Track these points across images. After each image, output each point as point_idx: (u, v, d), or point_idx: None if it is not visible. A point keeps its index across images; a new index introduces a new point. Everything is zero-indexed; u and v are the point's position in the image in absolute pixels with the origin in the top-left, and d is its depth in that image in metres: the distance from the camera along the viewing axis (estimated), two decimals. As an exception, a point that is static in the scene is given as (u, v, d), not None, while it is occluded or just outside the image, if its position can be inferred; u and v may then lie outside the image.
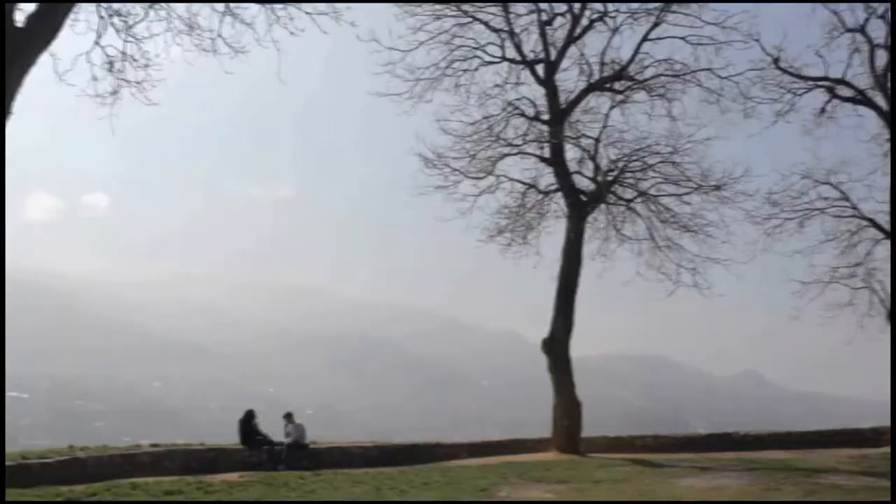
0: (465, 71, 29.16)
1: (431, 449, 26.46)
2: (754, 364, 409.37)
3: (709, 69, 28.39)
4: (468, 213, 29.21)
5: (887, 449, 26.80)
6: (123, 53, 16.95)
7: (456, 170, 28.86)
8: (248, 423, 24.06)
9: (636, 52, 28.63)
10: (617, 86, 29.16)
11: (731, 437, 29.87)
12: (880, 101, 30.53)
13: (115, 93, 17.14)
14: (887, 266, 30.09)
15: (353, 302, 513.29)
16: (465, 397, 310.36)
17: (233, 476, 19.56)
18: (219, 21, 16.91)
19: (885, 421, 30.42)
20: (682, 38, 28.35)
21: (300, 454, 23.64)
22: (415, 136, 29.02)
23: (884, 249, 30.44)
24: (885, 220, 30.26)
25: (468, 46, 29.04)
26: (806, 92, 31.56)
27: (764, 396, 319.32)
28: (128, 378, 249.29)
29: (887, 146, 30.49)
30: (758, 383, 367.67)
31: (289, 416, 24.82)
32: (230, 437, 24.79)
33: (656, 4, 28.26)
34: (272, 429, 24.61)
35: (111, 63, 16.94)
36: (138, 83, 17.15)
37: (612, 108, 29.35)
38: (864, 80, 31.00)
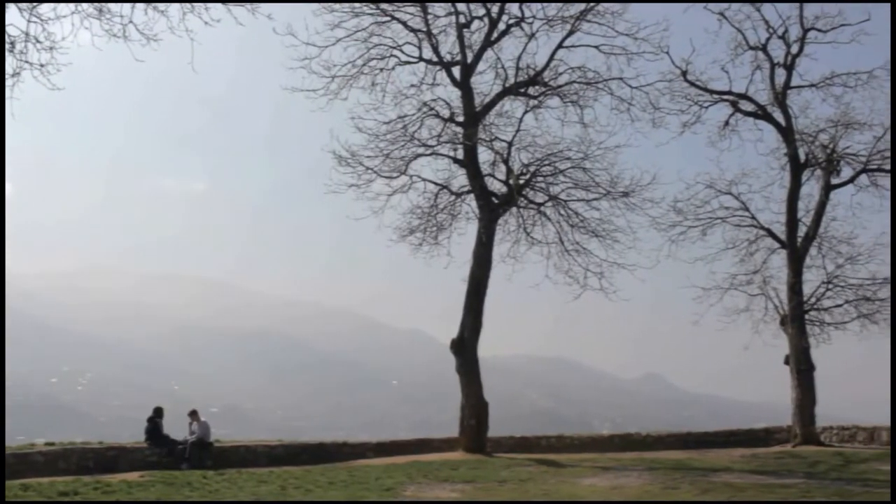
0: (381, 70, 29.06)
1: (338, 448, 26.32)
2: (657, 367, 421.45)
3: (620, 78, 28.94)
4: (381, 212, 29.11)
5: (778, 448, 27.98)
6: (26, 34, 16.23)
7: (369, 168, 28.71)
8: (154, 421, 23.52)
9: (551, 58, 28.99)
10: (531, 91, 29.46)
11: (633, 437, 30.64)
12: (779, 116, 31.91)
13: (16, 74, 16.42)
14: (782, 274, 31.38)
15: (262, 299, 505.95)
16: (375, 396, 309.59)
17: (133, 476, 19.08)
18: (131, 7, 16.38)
19: (778, 422, 31.72)
20: (595, 47, 28.81)
21: (204, 453, 23.21)
22: (329, 133, 28.82)
23: (779, 258, 31.72)
24: (780, 230, 31.54)
25: (385, 45, 28.94)
26: (711, 105, 32.73)
27: (665, 398, 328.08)
28: (23, 373, 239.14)
29: (785, 160, 31.83)
30: (660, 386, 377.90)
31: (194, 414, 24.35)
32: (132, 435, 24.17)
33: (572, 13, 28.66)
34: (176, 427, 24.11)
35: (13, 44, 16.21)
36: (42, 66, 16.46)
37: (525, 112, 29.59)
38: (764, 97, 32.37)
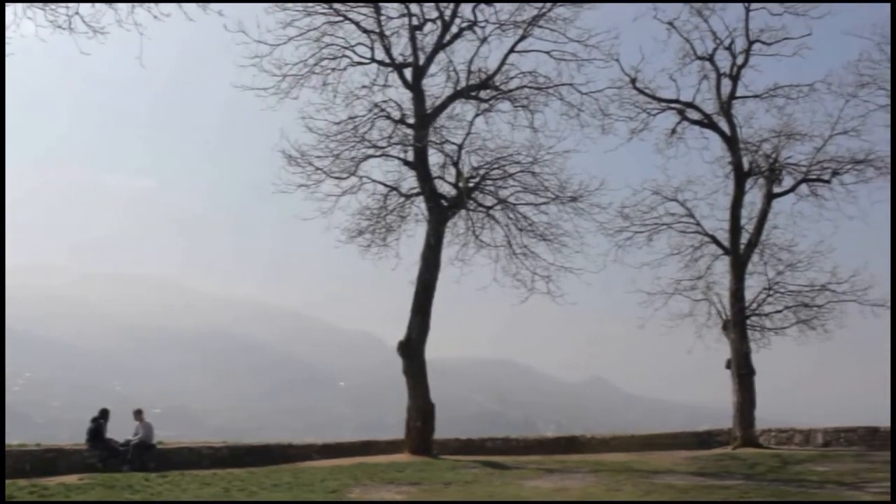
0: (333, 70, 28.88)
1: (283, 449, 26.13)
2: (602, 370, 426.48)
3: (570, 84, 29.14)
4: (329, 212, 28.98)
5: (719, 450, 28.50)
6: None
7: (319, 169, 28.53)
8: (98, 422, 23.06)
9: (503, 62, 29.11)
10: (482, 94, 29.54)
11: (578, 439, 30.98)
12: (724, 126, 32.58)
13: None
14: (725, 280, 31.98)
15: (209, 298, 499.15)
16: (322, 398, 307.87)
17: (72, 478, 18.69)
18: (78, -3, 16.02)
19: (719, 424, 32.29)
20: (546, 53, 28.99)
21: (147, 455, 22.85)
22: (279, 132, 28.59)
23: (722, 264, 32.35)
24: (724, 237, 32.17)
25: (338, 45, 28.78)
26: (659, 112, 33.27)
27: (610, 401, 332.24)
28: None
29: (729, 168, 32.50)
30: (605, 389, 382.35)
31: (139, 413, 23.93)
32: (71, 436, 23.65)
33: (524, 18, 28.84)
34: (119, 428, 23.68)
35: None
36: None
37: (476, 115, 29.69)
38: (710, 106, 33.01)
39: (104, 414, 23.52)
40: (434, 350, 28.69)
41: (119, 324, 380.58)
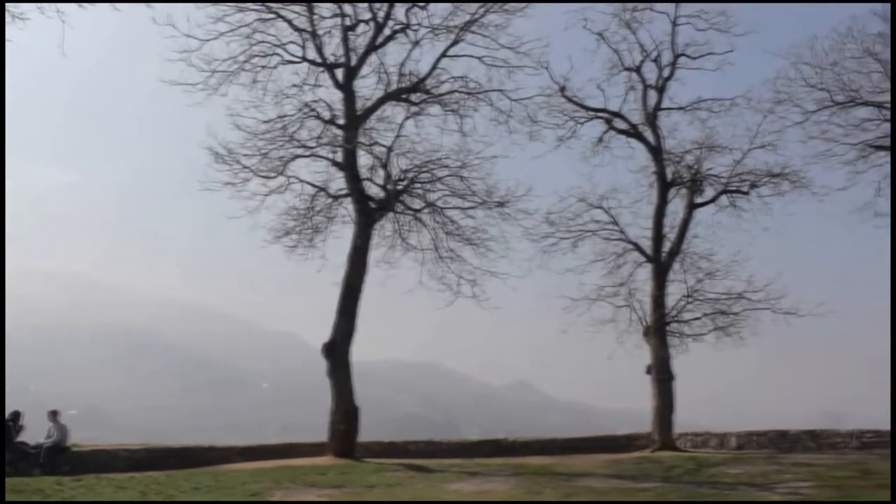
0: (263, 67, 28.59)
1: (204, 452, 25.70)
2: (526, 374, 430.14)
3: (500, 90, 29.39)
4: (255, 211, 28.64)
5: (637, 453, 29.04)
6: None
7: (246, 167, 28.19)
8: (6, 425, 22.23)
9: (434, 66, 29.22)
10: (413, 97, 29.57)
11: (500, 443, 31.21)
12: (649, 136, 33.30)
13: None
14: (647, 287, 32.60)
15: (128, 296, 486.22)
16: (244, 399, 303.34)
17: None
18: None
19: (639, 428, 32.89)
20: (478, 58, 29.16)
21: (60, 457, 22.17)
22: (206, 128, 28.13)
23: (645, 271, 32.97)
24: (647, 244, 32.81)
25: (269, 43, 28.51)
26: (587, 121, 33.80)
27: (534, 405, 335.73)
28: None
29: (653, 178, 33.21)
30: (529, 393, 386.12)
31: (54, 415, 23.21)
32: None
33: (456, 23, 28.97)
34: (32, 430, 22.94)
35: None
36: None
37: (406, 118, 29.72)
38: (636, 116, 33.70)
39: (15, 416, 22.73)
40: (359, 352, 28.66)
41: (32, 321, 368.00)
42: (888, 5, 30.13)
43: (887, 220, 30.67)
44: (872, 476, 18.56)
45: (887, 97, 30.61)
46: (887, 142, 30.66)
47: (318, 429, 27.50)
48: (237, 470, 22.15)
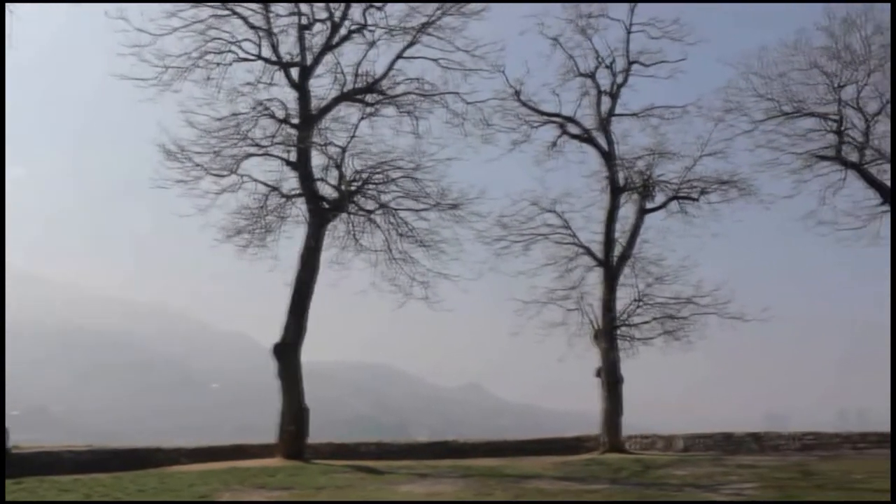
0: (217, 64, 28.29)
1: (151, 454, 25.31)
2: (477, 376, 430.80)
3: (456, 93, 29.58)
4: (207, 210, 28.33)
5: (586, 455, 29.33)
6: None
7: (198, 165, 27.88)
8: None
9: (390, 67, 29.23)
10: (368, 98, 29.53)
11: (450, 444, 31.29)
12: (602, 141, 33.69)
13: None
14: (597, 291, 32.94)
15: (73, 294, 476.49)
16: (194, 400, 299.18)
17: None
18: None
19: (588, 431, 33.19)
20: (434, 60, 29.25)
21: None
22: (157, 125, 27.75)
23: (595, 275, 33.30)
24: (598, 249, 33.15)
25: (223, 40, 28.23)
26: (540, 125, 34.10)
27: (484, 407, 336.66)
28: None
29: (605, 183, 33.59)
30: (480, 395, 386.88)
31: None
32: None
33: (413, 24, 28.99)
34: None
35: None
36: None
37: (361, 119, 29.66)
38: (590, 122, 34.07)
39: None
40: (310, 353, 28.46)
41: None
42: (832, 20, 31.01)
43: (830, 228, 31.54)
44: (813, 477, 19.05)
45: (832, 108, 31.50)
46: (831, 152, 31.54)
47: (270, 430, 27.26)
48: (185, 472, 21.86)
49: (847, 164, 31.26)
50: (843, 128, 31.40)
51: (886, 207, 30.54)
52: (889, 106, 30.76)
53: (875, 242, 31.38)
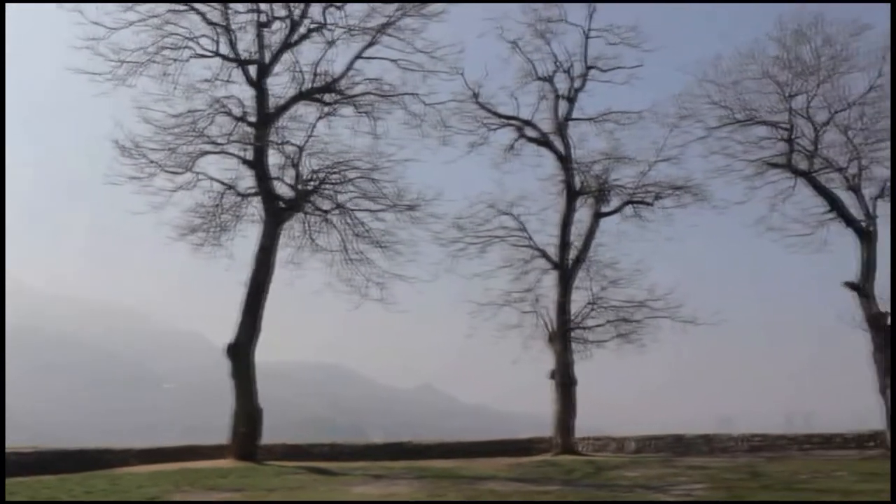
0: (174, 60, 27.94)
1: (100, 455, 24.89)
2: (432, 378, 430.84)
3: (414, 94, 29.58)
4: (161, 208, 27.98)
5: (539, 457, 29.51)
6: None
7: (153, 162, 27.51)
8: None
9: (349, 67, 29.13)
10: (326, 98, 29.39)
11: (405, 446, 31.30)
12: (559, 145, 33.94)
13: None
14: (552, 293, 33.17)
15: (22, 291, 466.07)
16: (146, 399, 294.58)
17: None
18: None
19: (541, 432, 33.43)
20: (393, 61, 29.22)
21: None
22: (112, 120, 27.32)
23: (551, 278, 33.54)
24: (553, 252, 33.38)
25: (181, 35, 27.88)
26: (498, 128, 34.32)
27: (439, 409, 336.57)
28: None
29: (561, 186, 33.86)
30: (435, 396, 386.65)
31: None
32: None
33: (373, 24, 28.92)
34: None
35: None
36: None
37: (319, 118, 29.54)
38: (547, 125, 34.31)
39: None
40: (264, 353, 28.23)
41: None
42: (785, 31, 31.72)
43: (780, 235, 32.24)
44: (760, 478, 19.41)
45: (783, 117, 32.20)
46: (783, 160, 32.20)
47: (223, 431, 26.97)
48: (135, 473, 21.52)
49: (797, 172, 31.96)
50: (793, 136, 32.10)
51: (833, 215, 31.32)
52: (836, 116, 31.66)
53: (821, 249, 32.20)
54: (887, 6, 30.42)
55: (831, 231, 31.81)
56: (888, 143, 30.79)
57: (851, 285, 30.52)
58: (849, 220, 31.01)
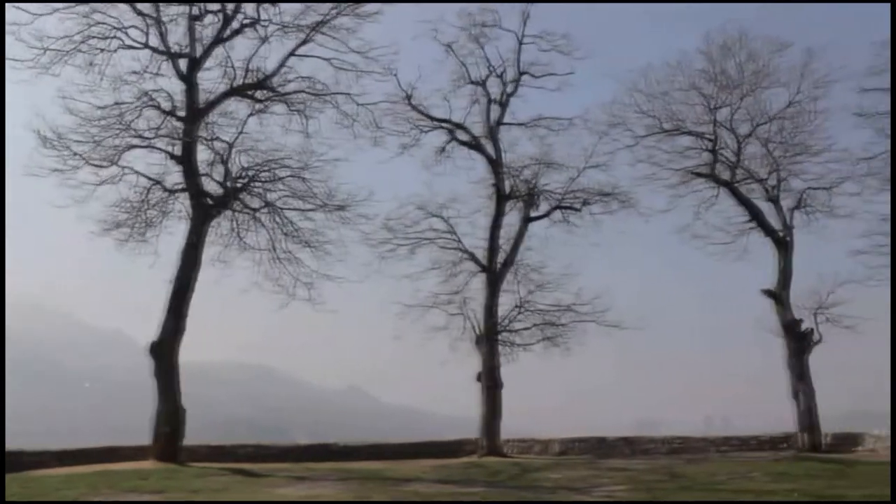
0: (101, 50, 27.32)
1: (14, 457, 24.11)
2: (359, 379, 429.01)
3: (347, 94, 29.49)
4: (84, 201, 27.30)
5: (465, 459, 29.67)
6: None
7: (77, 154, 26.84)
8: None
9: (281, 64, 28.89)
10: (258, 94, 29.10)
11: (331, 447, 31.10)
12: (490, 149, 34.22)
13: None
14: (480, 296, 33.32)
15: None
16: (63, 399, 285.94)
17: None
18: None
19: (468, 434, 33.61)
20: (326, 60, 29.05)
21: None
22: (33, 110, 26.54)
23: (479, 281, 33.70)
24: (482, 254, 33.56)
25: (109, 25, 27.28)
26: (430, 130, 34.40)
27: (366, 410, 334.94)
28: None
29: (491, 190, 34.12)
30: (362, 398, 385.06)
31: None
32: None
33: (307, 22, 28.71)
34: None
35: None
36: None
37: (250, 115, 29.28)
38: (479, 129, 34.55)
39: None
40: (188, 352, 27.76)
41: None
42: (711, 45, 32.72)
43: (704, 242, 33.27)
44: (679, 479, 19.97)
45: (708, 128, 33.24)
46: (707, 170, 33.20)
47: (145, 431, 26.40)
48: (52, 475, 20.94)
49: (720, 182, 33.00)
50: (717, 147, 33.10)
51: (753, 224, 32.44)
52: (758, 129, 32.82)
53: (742, 257, 33.30)
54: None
55: (751, 240, 32.94)
56: (805, 157, 32.10)
57: (768, 293, 31.66)
58: (768, 230, 32.17)
